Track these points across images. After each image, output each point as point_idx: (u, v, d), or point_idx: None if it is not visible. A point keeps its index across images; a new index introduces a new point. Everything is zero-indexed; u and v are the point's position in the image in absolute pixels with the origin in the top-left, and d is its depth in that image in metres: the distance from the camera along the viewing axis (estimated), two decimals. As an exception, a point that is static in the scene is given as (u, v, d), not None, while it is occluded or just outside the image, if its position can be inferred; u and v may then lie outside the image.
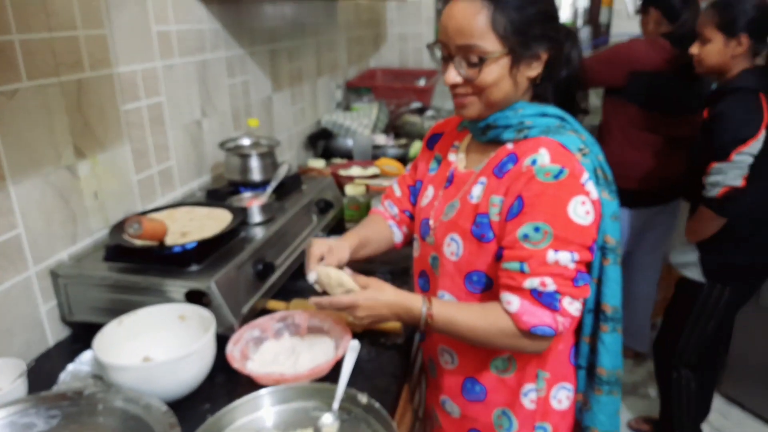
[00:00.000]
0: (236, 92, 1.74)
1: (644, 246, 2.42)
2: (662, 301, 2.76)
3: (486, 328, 0.88)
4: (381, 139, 2.33)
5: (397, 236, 1.18)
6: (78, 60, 1.13)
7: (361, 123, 2.32)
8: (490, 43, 0.85)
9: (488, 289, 0.94)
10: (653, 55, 2.06)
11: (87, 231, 1.19)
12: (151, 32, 1.34)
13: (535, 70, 0.90)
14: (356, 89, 2.75)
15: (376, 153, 2.21)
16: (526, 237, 0.84)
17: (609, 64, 2.14)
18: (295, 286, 1.30)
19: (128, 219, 1.01)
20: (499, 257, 0.89)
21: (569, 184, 0.84)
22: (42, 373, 1.01)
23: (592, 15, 3.11)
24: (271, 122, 1.98)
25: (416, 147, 2.20)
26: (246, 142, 1.53)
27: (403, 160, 2.15)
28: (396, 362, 1.05)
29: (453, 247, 0.95)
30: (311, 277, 0.98)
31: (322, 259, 1.00)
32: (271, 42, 1.93)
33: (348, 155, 2.25)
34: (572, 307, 0.85)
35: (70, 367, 1.02)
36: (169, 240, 1.09)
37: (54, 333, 1.12)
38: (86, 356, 1.03)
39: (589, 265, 0.91)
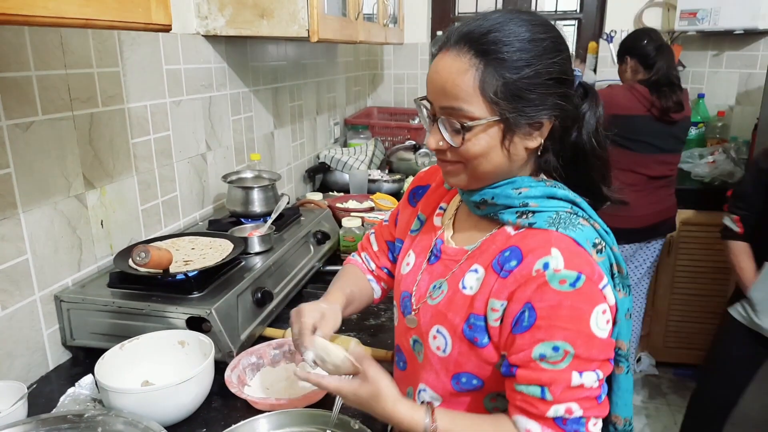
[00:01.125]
0: (240, 128, 1.81)
1: None
2: (647, 336, 2.80)
3: None
4: (376, 174, 2.40)
5: (377, 292, 1.08)
6: (92, 96, 1.19)
7: (357, 158, 2.39)
8: (477, 108, 0.73)
9: (477, 390, 0.82)
10: (632, 100, 2.18)
11: (92, 258, 1.23)
12: (162, 70, 1.41)
13: (535, 140, 0.77)
14: (353, 126, 2.84)
15: (371, 187, 2.27)
16: (543, 357, 0.71)
17: None
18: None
19: (136, 247, 1.05)
20: (507, 373, 0.76)
21: (588, 293, 0.71)
22: (41, 396, 1.03)
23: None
24: (272, 157, 2.05)
25: (410, 183, 2.28)
26: (248, 175, 1.59)
27: (397, 195, 2.21)
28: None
29: (440, 342, 0.83)
30: (308, 356, 0.83)
31: (314, 329, 0.86)
32: (274, 81, 2.02)
33: (344, 189, 2.31)
34: (596, 428, 0.74)
35: (71, 390, 1.03)
36: (172, 268, 1.13)
37: (54, 357, 1.14)
38: (86, 380, 1.05)
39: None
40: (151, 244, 1.21)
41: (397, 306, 0.96)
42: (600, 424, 0.75)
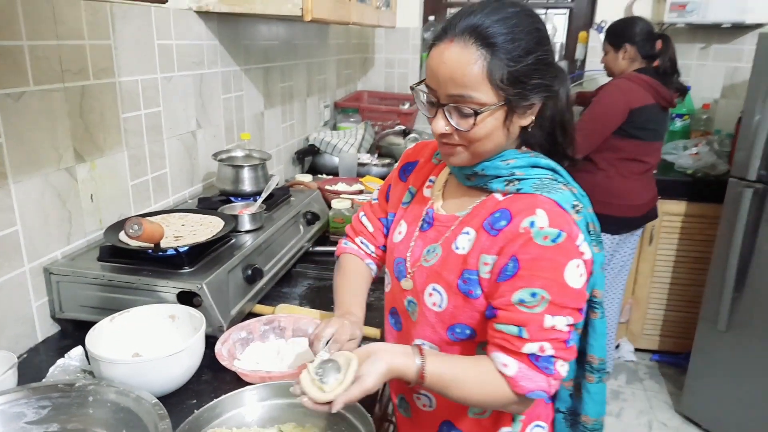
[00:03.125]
0: (230, 106, 1.80)
1: (610, 269, 2.53)
2: (626, 323, 2.86)
3: (478, 392, 0.84)
4: (366, 157, 2.41)
5: (374, 271, 1.13)
6: (83, 68, 1.18)
7: (347, 142, 2.39)
8: (485, 95, 0.81)
9: (470, 339, 0.91)
10: (640, 91, 2.19)
11: (81, 231, 1.22)
12: (154, 45, 1.40)
13: (528, 118, 0.86)
14: (344, 109, 2.84)
15: (360, 171, 2.28)
16: (521, 301, 0.81)
17: (606, 117, 2.21)
18: (281, 292, 1.35)
19: (128, 220, 1.06)
20: (490, 315, 0.85)
21: (566, 248, 0.80)
22: (30, 367, 1.04)
23: (569, 51, 3.26)
24: (261, 137, 2.04)
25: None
26: (239, 154, 1.59)
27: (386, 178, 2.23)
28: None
29: (436, 298, 0.91)
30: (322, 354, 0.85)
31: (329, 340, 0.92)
32: (265, 61, 2.01)
33: (334, 172, 2.32)
34: (563, 369, 0.83)
35: (60, 361, 1.04)
36: (163, 243, 1.13)
37: (43, 329, 1.15)
38: (76, 352, 1.05)
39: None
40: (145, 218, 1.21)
41: (390, 272, 1.02)
42: (567, 367, 0.84)
